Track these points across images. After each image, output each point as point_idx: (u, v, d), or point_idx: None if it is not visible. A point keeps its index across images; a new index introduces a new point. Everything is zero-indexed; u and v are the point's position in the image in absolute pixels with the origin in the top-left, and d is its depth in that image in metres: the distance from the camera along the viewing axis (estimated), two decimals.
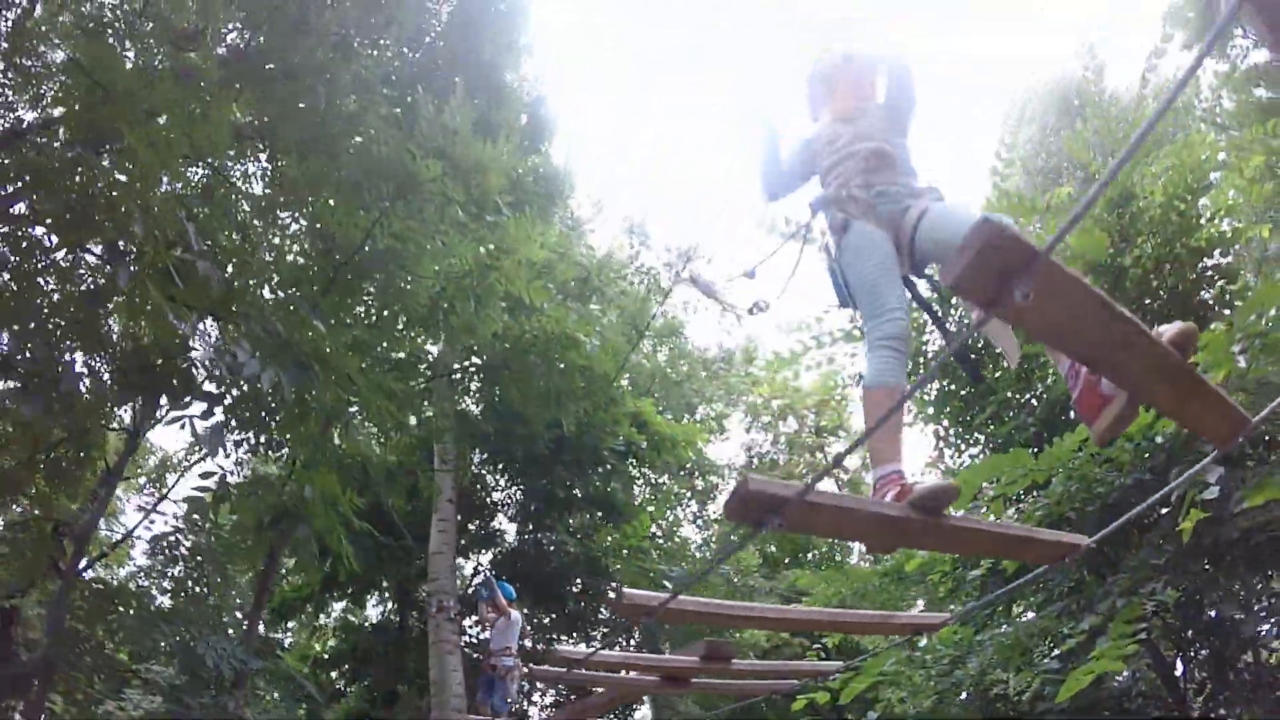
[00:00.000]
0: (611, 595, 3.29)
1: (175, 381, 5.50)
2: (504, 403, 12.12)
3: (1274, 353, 4.96)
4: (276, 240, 7.80)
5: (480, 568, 15.63)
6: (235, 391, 5.80)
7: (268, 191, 7.82)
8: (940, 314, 3.51)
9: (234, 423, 6.18)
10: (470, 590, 14.33)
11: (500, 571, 14.77)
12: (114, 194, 5.16)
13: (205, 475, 6.46)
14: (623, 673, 4.58)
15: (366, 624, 16.90)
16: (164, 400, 6.13)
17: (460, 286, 7.84)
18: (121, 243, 5.41)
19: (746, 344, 23.53)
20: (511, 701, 9.89)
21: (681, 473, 18.49)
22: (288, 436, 6.72)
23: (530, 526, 15.70)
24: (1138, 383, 2.23)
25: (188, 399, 5.44)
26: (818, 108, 3.45)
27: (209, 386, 5.66)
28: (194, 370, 5.54)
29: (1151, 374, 2.15)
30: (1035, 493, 6.59)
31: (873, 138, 3.09)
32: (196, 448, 10.37)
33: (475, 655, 12.17)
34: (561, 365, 10.05)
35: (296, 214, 7.52)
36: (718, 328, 22.94)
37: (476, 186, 7.38)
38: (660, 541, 17.72)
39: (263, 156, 8.06)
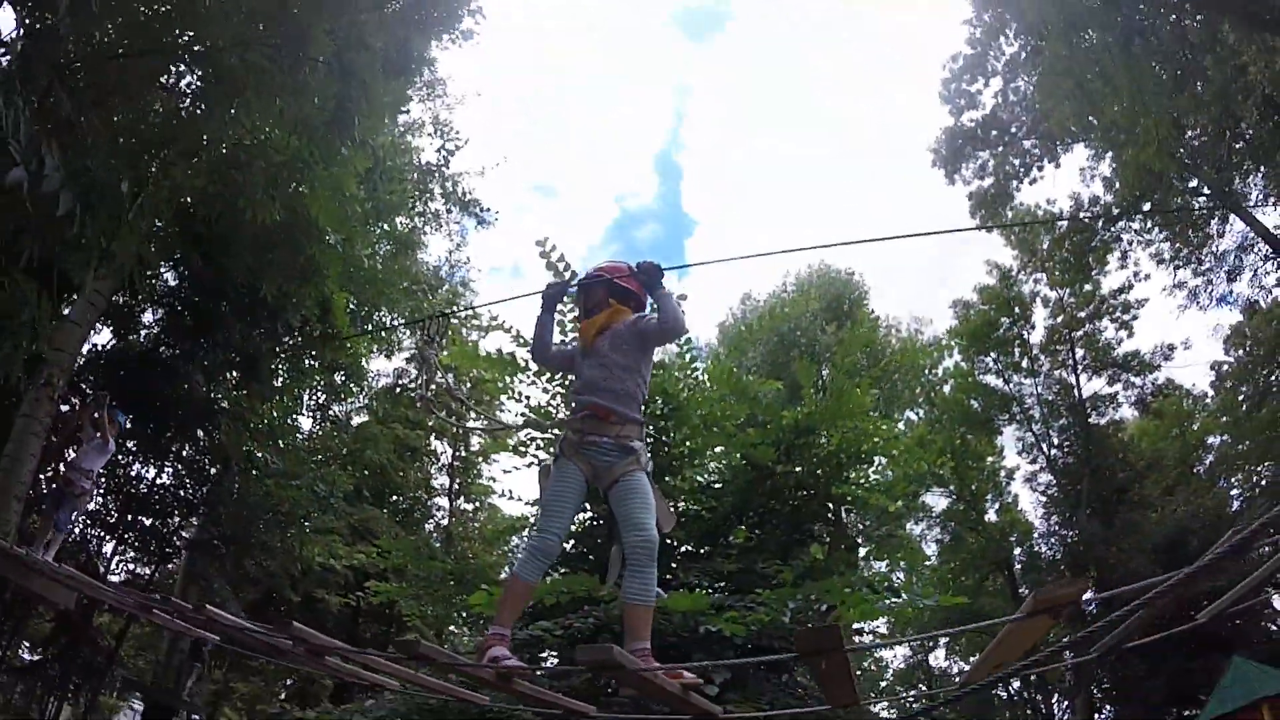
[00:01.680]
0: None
1: None
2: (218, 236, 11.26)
3: None
4: None
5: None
6: None
7: None
8: None
9: None
10: (87, 390, 12.88)
11: (117, 367, 13.57)
12: None
13: None
14: None
15: None
16: None
17: None
18: None
19: (459, 285, 23.88)
20: (72, 523, 9.73)
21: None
22: None
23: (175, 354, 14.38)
24: None
25: None
26: (581, 310, 4.31)
27: None
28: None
29: None
30: None
31: (600, 391, 3.89)
32: None
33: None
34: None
35: None
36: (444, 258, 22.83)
37: None
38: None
39: None
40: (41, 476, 10.94)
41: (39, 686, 15.96)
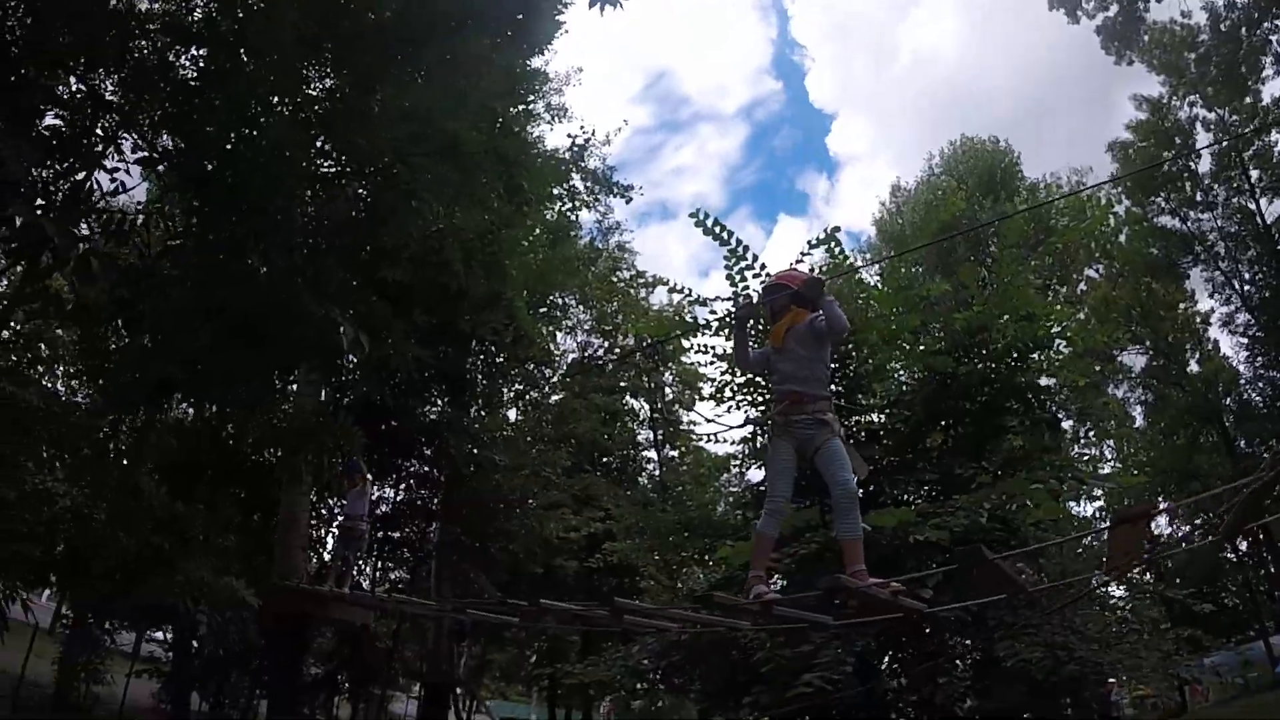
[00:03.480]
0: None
1: None
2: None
3: None
4: None
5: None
6: None
7: None
8: None
9: None
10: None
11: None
12: None
13: None
14: None
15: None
16: None
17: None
18: None
19: (616, 250, 25.00)
20: (360, 556, 11.91)
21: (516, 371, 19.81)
22: None
23: (392, 392, 16.33)
24: None
25: None
26: (769, 315, 5.24)
27: None
28: None
29: None
30: None
31: (792, 380, 4.85)
32: None
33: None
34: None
35: None
36: (595, 228, 24.05)
37: None
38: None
39: None
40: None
41: (325, 694, 18.88)
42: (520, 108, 10.57)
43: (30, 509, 8.94)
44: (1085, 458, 17.08)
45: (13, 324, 7.44)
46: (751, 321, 6.21)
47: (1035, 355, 11.18)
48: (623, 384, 25.33)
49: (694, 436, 24.73)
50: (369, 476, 11.73)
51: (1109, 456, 22.40)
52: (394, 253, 8.34)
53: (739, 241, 10.97)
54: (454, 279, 9.42)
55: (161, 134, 7.32)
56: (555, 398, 23.63)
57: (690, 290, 13.14)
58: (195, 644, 11.32)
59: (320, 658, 19.38)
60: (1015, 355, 10.96)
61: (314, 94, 8.09)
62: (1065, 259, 21.00)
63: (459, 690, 20.92)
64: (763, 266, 11.13)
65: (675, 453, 27.50)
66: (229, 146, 6.84)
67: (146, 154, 7.16)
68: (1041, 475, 9.85)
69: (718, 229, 11.04)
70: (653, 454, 28.33)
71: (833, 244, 11.45)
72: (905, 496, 10.27)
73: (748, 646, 9.41)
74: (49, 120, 7.01)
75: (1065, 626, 7.95)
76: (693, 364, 14.84)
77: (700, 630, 7.67)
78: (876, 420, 12.14)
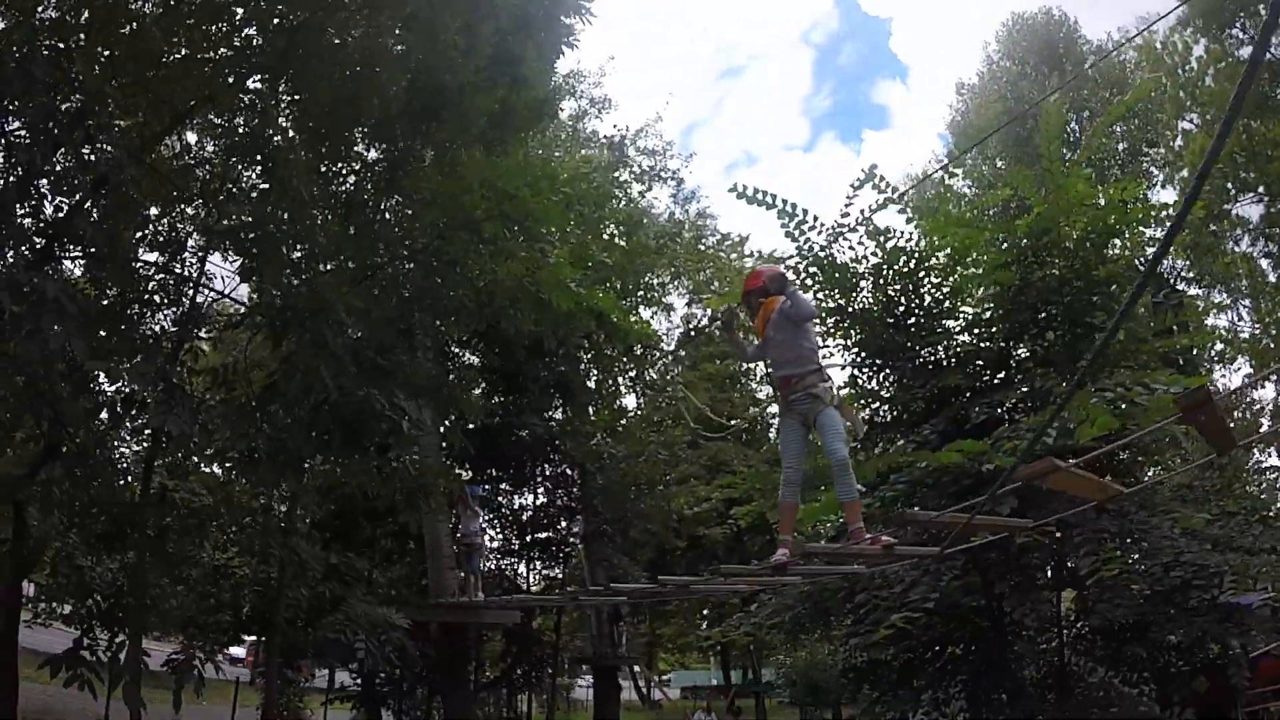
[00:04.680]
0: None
1: None
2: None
3: None
4: None
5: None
6: None
7: None
8: None
9: None
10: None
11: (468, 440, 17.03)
12: None
13: None
14: None
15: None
16: None
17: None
18: None
19: (698, 219, 25.23)
20: (480, 565, 13.44)
21: (627, 359, 20.56)
22: None
23: (496, 401, 17.60)
24: None
25: None
26: (750, 315, 5.84)
27: None
28: None
29: None
30: None
31: (782, 366, 5.40)
32: None
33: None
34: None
35: None
36: (672, 201, 24.39)
37: None
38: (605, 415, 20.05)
39: None
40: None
41: (506, 692, 20.66)
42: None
43: (214, 583, 10.60)
44: (1219, 328, 15.78)
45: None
46: (740, 320, 6.75)
47: (1116, 241, 10.61)
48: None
49: None
50: (480, 501, 13.33)
51: (1246, 319, 20.27)
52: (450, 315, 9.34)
53: (784, 201, 11.11)
54: (510, 323, 10.31)
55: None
56: (672, 375, 24.28)
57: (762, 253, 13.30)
58: (355, 666, 13.02)
59: (492, 659, 21.28)
60: (1092, 246, 10.46)
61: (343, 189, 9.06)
62: (1153, 117, 19.13)
63: (636, 668, 22.26)
64: (815, 219, 11.26)
65: None
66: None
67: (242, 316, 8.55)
68: (1134, 374, 9.42)
69: (760, 195, 11.25)
70: (775, 407, 28.39)
71: (876, 180, 11.34)
72: (990, 418, 10.08)
73: (854, 590, 9.79)
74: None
75: (1168, 532, 7.73)
76: None
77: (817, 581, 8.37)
78: (966, 341, 11.92)
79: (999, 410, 10.44)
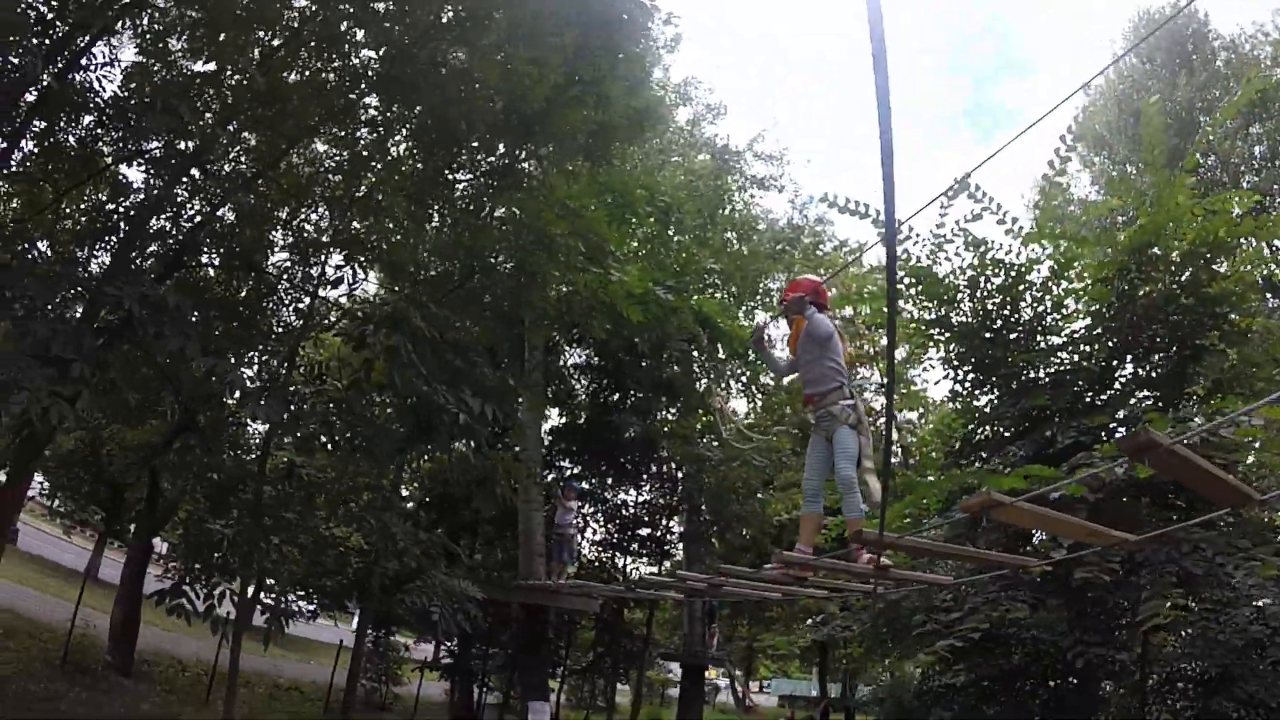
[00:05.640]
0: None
1: None
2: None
3: None
4: None
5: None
6: None
7: None
8: None
9: None
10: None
11: (570, 437, 17.84)
12: None
13: None
14: None
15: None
16: None
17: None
18: None
19: (816, 224, 24.93)
20: (571, 558, 14.19)
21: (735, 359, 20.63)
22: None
23: (600, 399, 18.26)
24: None
25: None
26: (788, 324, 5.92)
27: None
28: None
29: None
30: None
31: (808, 385, 5.51)
32: None
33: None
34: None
35: None
36: (790, 207, 24.31)
37: None
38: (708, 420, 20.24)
39: None
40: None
41: (596, 679, 21.30)
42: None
43: (324, 551, 11.81)
44: None
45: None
46: (769, 338, 6.93)
47: (1229, 259, 9.71)
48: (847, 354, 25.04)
49: (920, 395, 23.91)
50: (576, 495, 13.98)
51: None
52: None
53: (877, 211, 11.10)
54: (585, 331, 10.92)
55: None
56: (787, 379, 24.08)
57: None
58: (438, 635, 13.98)
59: (584, 647, 22.06)
60: (1201, 261, 9.63)
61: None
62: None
63: (736, 671, 22.41)
64: (910, 229, 11.14)
65: (912, 414, 26.54)
66: None
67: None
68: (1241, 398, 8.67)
69: (851, 205, 11.36)
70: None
71: (972, 190, 10.99)
72: (1076, 442, 9.51)
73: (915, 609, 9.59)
74: None
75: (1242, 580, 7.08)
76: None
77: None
78: (1065, 359, 11.29)
79: (1090, 435, 9.83)
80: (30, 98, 7.29)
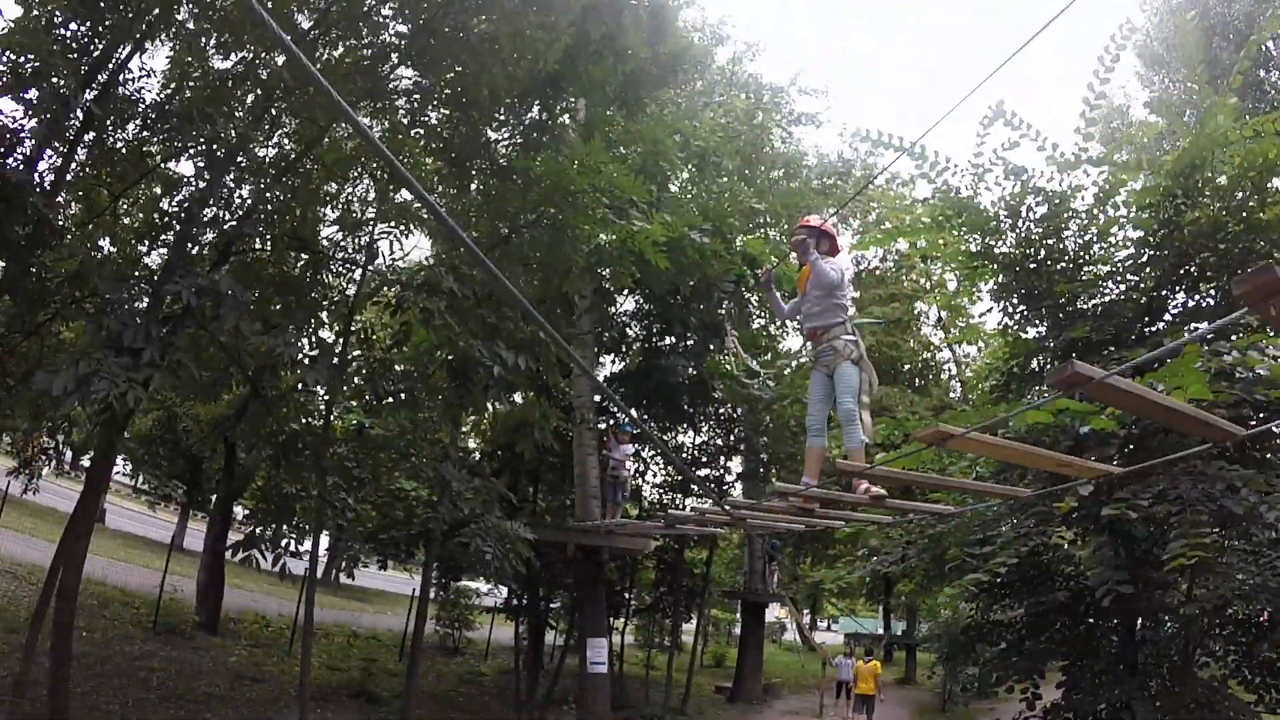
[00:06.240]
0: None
1: None
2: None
3: None
4: None
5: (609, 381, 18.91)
6: None
7: None
8: None
9: None
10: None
11: (624, 381, 18.25)
12: None
13: None
14: None
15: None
16: None
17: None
18: None
19: (868, 157, 24.34)
20: (624, 498, 15.00)
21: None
22: None
23: (651, 343, 18.57)
24: None
25: None
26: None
27: None
28: None
29: None
30: None
31: (811, 319, 5.67)
32: None
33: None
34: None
35: None
36: (840, 140, 23.81)
37: None
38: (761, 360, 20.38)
39: None
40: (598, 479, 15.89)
41: (659, 616, 22.11)
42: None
43: (392, 508, 12.69)
44: None
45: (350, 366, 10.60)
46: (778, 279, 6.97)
47: (1275, 181, 9.21)
48: (904, 289, 24.65)
49: (978, 329, 23.41)
50: (630, 438, 14.41)
51: None
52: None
53: (913, 144, 10.80)
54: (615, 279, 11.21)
55: None
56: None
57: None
58: (497, 579, 14.79)
59: (646, 587, 22.91)
60: (1251, 185, 9.17)
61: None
62: None
63: (804, 610, 22.97)
64: (949, 160, 10.88)
65: (971, 348, 25.98)
66: None
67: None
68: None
69: (885, 137, 11.05)
70: (947, 353, 27.13)
71: (1009, 116, 10.64)
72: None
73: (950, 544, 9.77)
74: None
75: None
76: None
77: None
78: (1109, 290, 10.98)
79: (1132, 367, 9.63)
80: (76, 120, 7.92)
